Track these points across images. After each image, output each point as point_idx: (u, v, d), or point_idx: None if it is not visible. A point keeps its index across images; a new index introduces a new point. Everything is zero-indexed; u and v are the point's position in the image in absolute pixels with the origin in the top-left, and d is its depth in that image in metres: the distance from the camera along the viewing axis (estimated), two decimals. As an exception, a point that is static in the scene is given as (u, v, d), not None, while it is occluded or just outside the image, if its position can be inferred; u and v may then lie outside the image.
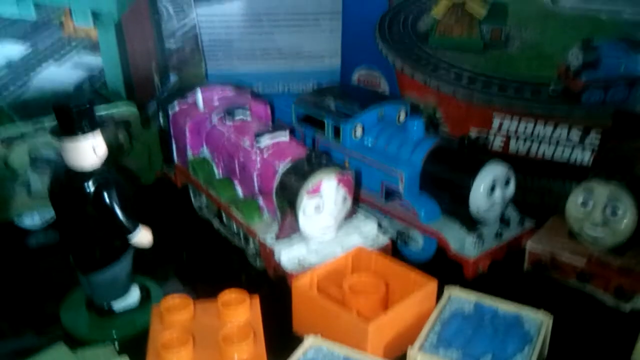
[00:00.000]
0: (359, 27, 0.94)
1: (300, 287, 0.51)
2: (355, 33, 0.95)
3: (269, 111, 0.72)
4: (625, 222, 0.55)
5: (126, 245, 0.51)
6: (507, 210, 0.63)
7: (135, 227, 0.50)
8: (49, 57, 0.85)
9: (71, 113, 0.47)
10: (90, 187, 0.48)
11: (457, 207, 0.61)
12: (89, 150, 0.48)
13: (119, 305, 0.53)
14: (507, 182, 0.61)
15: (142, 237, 0.51)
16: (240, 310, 0.48)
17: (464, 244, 0.59)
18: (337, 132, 0.69)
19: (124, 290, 0.53)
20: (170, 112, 0.73)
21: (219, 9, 0.91)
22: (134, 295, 0.54)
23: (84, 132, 0.47)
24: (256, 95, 0.77)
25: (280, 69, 0.95)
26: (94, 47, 0.86)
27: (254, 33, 0.93)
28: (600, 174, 0.58)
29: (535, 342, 0.45)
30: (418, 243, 0.63)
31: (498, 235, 0.61)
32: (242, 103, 0.70)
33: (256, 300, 0.50)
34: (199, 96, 0.71)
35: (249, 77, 0.92)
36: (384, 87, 0.95)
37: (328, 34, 0.95)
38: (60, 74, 0.85)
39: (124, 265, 0.52)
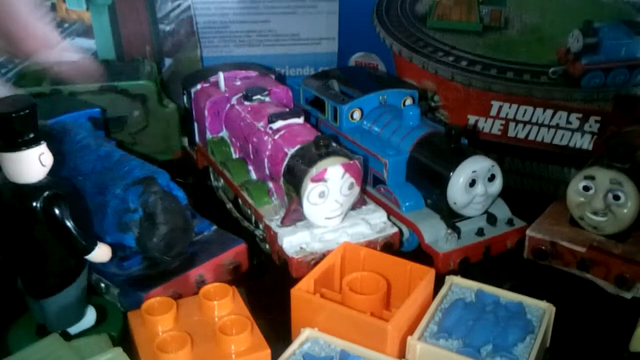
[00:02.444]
0: (356, 10, 0.93)
1: (301, 294, 0.47)
2: (352, 16, 0.93)
3: (290, 94, 0.71)
4: (627, 208, 0.55)
5: (82, 263, 0.46)
6: (495, 209, 0.61)
7: (92, 246, 0.44)
8: (41, 41, 0.84)
9: (12, 123, 0.40)
10: (38, 202, 0.42)
11: (437, 200, 0.60)
12: (35, 162, 0.41)
13: (74, 328, 0.48)
14: (491, 178, 0.59)
15: (100, 255, 0.45)
16: (224, 303, 0.47)
17: (438, 238, 0.58)
18: (336, 115, 0.69)
19: (78, 315, 0.48)
20: (192, 92, 0.73)
21: (214, -9, 0.90)
22: (89, 316, 0.49)
23: (28, 146, 0.41)
24: (280, 78, 0.76)
25: (277, 53, 0.94)
26: (87, 30, 0.85)
27: (250, 16, 0.92)
28: (601, 160, 0.57)
29: (538, 332, 0.45)
30: (404, 233, 0.62)
31: (479, 232, 0.59)
32: (264, 85, 0.69)
33: (236, 292, 0.49)
34: (221, 76, 0.71)
35: (244, 61, 0.91)
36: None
37: (325, 18, 0.94)
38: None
39: (79, 286, 0.46)
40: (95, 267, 0.52)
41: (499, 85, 0.87)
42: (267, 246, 0.60)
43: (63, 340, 0.45)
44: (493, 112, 0.88)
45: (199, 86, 0.73)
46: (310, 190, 0.55)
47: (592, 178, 0.56)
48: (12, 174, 0.42)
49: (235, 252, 0.56)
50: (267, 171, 0.61)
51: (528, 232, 0.59)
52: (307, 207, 0.56)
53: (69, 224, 0.43)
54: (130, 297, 0.50)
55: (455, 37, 0.88)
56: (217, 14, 0.91)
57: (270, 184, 0.61)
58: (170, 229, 0.50)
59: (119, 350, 0.43)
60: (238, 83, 0.72)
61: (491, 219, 0.60)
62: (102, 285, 0.52)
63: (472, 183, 0.58)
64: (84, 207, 0.46)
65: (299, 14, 0.93)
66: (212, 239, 0.57)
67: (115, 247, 0.50)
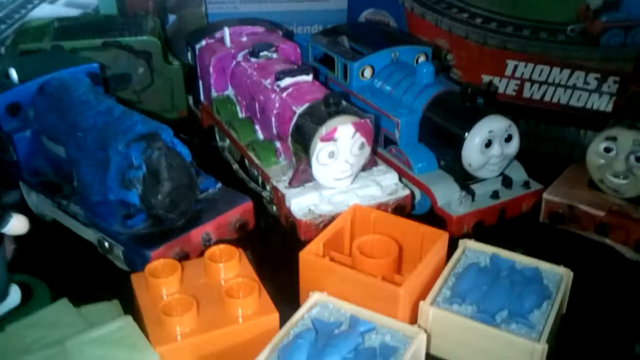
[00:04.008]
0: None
1: (310, 258, 0.46)
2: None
3: (298, 51, 0.69)
4: (649, 171, 0.53)
5: None
6: (511, 171, 0.59)
7: (5, 216, 0.41)
8: (42, -5, 0.82)
9: None
10: None
11: (451, 161, 0.58)
12: None
13: None
14: (508, 139, 0.57)
15: (17, 226, 0.41)
16: (231, 265, 0.46)
17: (451, 200, 0.56)
18: (346, 72, 0.67)
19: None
20: (197, 49, 0.70)
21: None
22: (14, 296, 0.46)
23: None
24: (287, 35, 0.74)
25: (285, 10, 0.91)
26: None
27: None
28: (623, 121, 0.55)
29: (555, 298, 0.43)
30: (416, 195, 0.60)
31: (494, 195, 0.57)
32: (271, 41, 0.67)
33: (243, 254, 0.47)
34: (227, 32, 0.68)
35: (251, 17, 0.89)
36: (393, 28, 0.91)
37: (334, -28, 0.91)
38: (53, 12, 0.81)
39: None
40: (99, 225, 0.51)
41: (514, 44, 0.84)
42: (275, 208, 0.59)
43: (72, 306, 0.44)
44: (508, 72, 0.85)
45: (203, 42, 0.70)
46: (320, 150, 0.53)
47: (614, 139, 0.54)
48: None
49: (242, 210, 0.54)
50: (274, 130, 0.59)
51: (545, 195, 0.57)
52: (316, 168, 0.54)
53: None
54: (135, 255, 0.49)
55: (470, -7, 0.85)
56: (222, -32, 0.88)
57: (278, 144, 0.59)
58: (175, 186, 0.49)
59: (128, 318, 0.42)
60: (244, 39, 0.70)
61: (506, 181, 0.59)
62: (106, 244, 0.51)
63: (488, 144, 0.56)
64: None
65: (308, -31, 0.90)
66: (218, 196, 0.55)
67: (119, 205, 0.48)
